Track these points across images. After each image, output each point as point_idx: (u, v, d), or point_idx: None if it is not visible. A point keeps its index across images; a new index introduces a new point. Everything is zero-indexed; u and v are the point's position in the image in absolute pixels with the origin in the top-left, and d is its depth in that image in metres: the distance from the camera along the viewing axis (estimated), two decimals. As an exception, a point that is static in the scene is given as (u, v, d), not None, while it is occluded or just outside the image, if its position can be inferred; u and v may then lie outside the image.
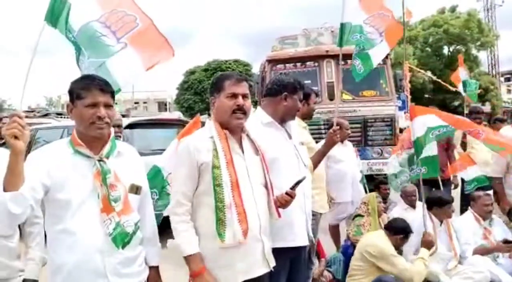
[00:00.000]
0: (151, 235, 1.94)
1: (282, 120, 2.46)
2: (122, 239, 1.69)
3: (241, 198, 1.89)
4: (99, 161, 1.72)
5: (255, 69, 33.23)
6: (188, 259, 1.87)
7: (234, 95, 1.97)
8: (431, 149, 3.59)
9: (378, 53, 3.52)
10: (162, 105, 47.46)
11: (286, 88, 2.47)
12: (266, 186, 2.06)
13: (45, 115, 11.88)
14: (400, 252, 3.46)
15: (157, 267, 1.97)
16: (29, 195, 1.52)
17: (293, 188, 2.04)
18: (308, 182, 2.39)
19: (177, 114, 15.04)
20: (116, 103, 1.79)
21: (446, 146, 5.68)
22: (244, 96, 2.00)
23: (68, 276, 1.66)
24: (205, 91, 36.86)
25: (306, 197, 2.36)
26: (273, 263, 2.04)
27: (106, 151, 1.76)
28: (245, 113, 2.00)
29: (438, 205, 3.96)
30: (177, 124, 6.63)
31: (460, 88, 6.86)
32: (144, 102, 46.38)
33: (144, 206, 1.91)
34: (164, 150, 2.98)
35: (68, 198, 1.65)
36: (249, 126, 2.12)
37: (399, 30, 3.81)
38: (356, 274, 3.48)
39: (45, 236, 1.90)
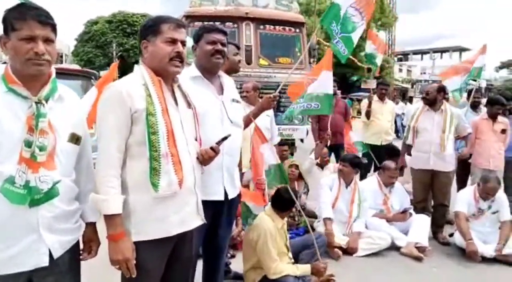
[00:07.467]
0: (89, 190, 1.73)
1: (204, 73, 2.34)
2: (30, 195, 1.45)
3: (177, 148, 1.77)
4: (37, 103, 1.48)
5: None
6: (110, 218, 1.66)
7: (173, 41, 1.80)
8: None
9: (358, 33, 3.52)
10: (58, 57, 43.14)
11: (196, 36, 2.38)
12: (196, 140, 1.97)
13: None
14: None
15: (94, 224, 1.84)
16: None
17: (218, 143, 1.99)
18: (235, 139, 2.31)
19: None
20: None
21: (344, 113, 6.15)
22: (183, 43, 1.84)
23: None
24: (108, 44, 34.21)
25: (225, 154, 2.27)
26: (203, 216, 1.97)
27: (45, 93, 1.53)
28: (182, 61, 1.85)
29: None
30: (83, 75, 6.00)
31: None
32: (36, 52, 41.56)
33: (82, 158, 1.72)
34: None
35: None
36: (180, 78, 1.98)
37: (371, 3, 3.63)
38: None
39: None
